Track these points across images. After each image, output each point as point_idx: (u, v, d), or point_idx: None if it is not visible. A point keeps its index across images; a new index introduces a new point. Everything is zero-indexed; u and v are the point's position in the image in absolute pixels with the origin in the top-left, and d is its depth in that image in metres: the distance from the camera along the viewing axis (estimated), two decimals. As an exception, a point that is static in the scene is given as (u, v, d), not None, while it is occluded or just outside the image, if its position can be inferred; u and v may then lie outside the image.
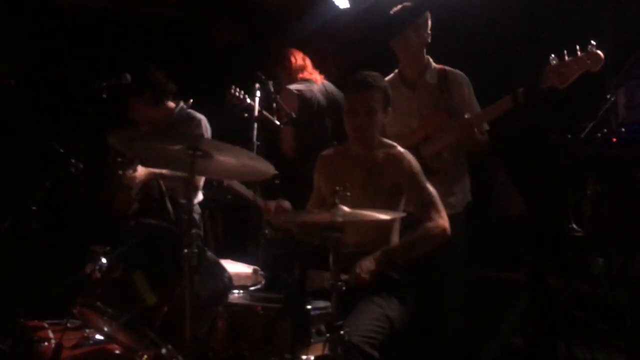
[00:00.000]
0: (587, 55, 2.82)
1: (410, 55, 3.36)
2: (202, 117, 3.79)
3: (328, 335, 2.18)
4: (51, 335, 2.60)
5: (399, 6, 3.37)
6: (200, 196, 3.83)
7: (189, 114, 3.80)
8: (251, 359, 2.38)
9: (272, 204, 2.95)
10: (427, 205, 2.72)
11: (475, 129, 3.16)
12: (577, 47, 2.82)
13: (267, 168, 2.38)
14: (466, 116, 3.16)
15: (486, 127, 3.31)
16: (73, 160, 3.60)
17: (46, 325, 2.70)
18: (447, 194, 3.24)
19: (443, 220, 2.71)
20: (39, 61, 4.64)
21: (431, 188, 2.77)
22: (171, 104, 3.78)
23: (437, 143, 3.23)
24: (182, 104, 3.85)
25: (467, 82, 3.37)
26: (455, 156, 3.31)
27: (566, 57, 2.84)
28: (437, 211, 2.72)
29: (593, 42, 2.82)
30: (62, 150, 3.66)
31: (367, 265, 2.55)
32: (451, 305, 3.27)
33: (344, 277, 2.30)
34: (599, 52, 2.80)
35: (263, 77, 3.76)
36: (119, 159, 3.47)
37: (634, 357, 2.12)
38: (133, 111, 3.72)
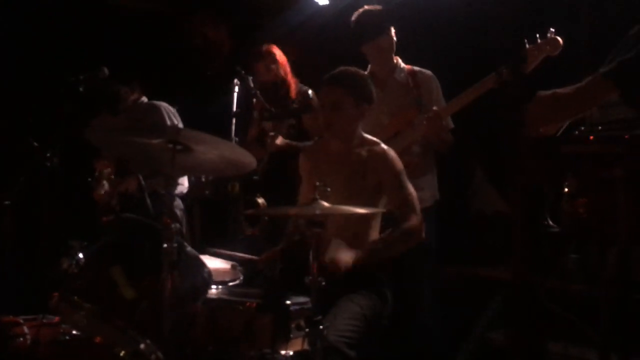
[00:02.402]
0: (547, 41, 2.96)
1: (378, 57, 3.43)
2: (163, 104, 3.83)
3: (307, 330, 2.19)
4: (27, 331, 2.55)
5: (361, 11, 3.41)
6: (185, 185, 3.82)
7: (150, 105, 3.83)
8: (230, 354, 2.38)
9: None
10: (406, 205, 2.74)
11: (442, 124, 3.22)
12: (537, 35, 2.94)
13: (249, 160, 2.36)
14: (434, 108, 3.22)
15: (450, 124, 3.37)
16: (49, 154, 3.56)
17: (21, 321, 2.65)
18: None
19: (419, 221, 2.74)
20: (15, 54, 4.56)
21: (411, 188, 2.79)
22: (129, 102, 3.79)
23: (406, 137, 3.28)
24: (144, 98, 3.86)
25: (436, 81, 3.45)
26: (424, 151, 3.36)
27: (527, 45, 2.93)
28: (415, 212, 2.74)
29: (552, 29, 2.95)
30: (37, 144, 3.61)
31: (345, 258, 2.56)
32: (425, 301, 3.31)
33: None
34: (557, 37, 2.95)
35: (242, 72, 3.75)
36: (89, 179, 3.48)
37: (607, 353, 2.15)
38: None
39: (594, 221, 1.85)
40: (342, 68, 2.84)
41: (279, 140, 3.66)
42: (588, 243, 2.18)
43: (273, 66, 3.90)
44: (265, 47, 3.96)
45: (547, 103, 1.81)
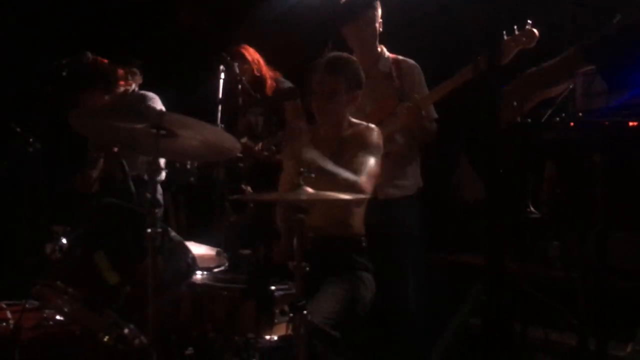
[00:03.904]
0: (523, 33, 3.01)
1: (361, 45, 3.40)
2: (155, 96, 3.79)
3: (291, 315, 2.20)
4: (9, 315, 2.55)
5: None
6: (163, 175, 3.81)
7: (141, 95, 3.79)
8: (215, 340, 2.39)
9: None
10: (360, 169, 2.67)
11: (424, 114, 3.23)
12: (515, 27, 2.99)
13: (233, 145, 2.35)
14: (415, 96, 3.23)
15: (434, 114, 3.39)
16: (31, 140, 3.53)
17: (4, 306, 2.65)
18: (398, 176, 3.31)
19: (363, 182, 2.65)
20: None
21: (373, 161, 2.73)
22: (122, 88, 3.76)
23: (387, 126, 3.28)
24: (133, 86, 3.83)
25: (419, 70, 3.44)
26: (407, 140, 3.37)
27: (505, 37, 2.97)
28: (363, 175, 2.67)
29: (529, 21, 3.00)
30: (19, 129, 3.58)
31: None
32: (409, 288, 3.33)
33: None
34: (534, 30, 3.01)
35: (228, 58, 3.73)
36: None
37: (585, 338, 2.19)
38: (85, 104, 3.64)
39: (573, 207, 1.88)
40: (335, 54, 2.83)
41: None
42: (568, 229, 2.21)
43: (245, 66, 3.93)
44: (234, 49, 3.96)
45: (533, 77, 1.82)
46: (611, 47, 1.85)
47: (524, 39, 3.01)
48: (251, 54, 4.00)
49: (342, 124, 2.85)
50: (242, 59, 3.95)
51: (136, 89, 3.86)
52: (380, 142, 2.84)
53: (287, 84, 3.97)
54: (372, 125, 2.87)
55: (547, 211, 1.93)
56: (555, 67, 1.87)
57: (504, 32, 2.98)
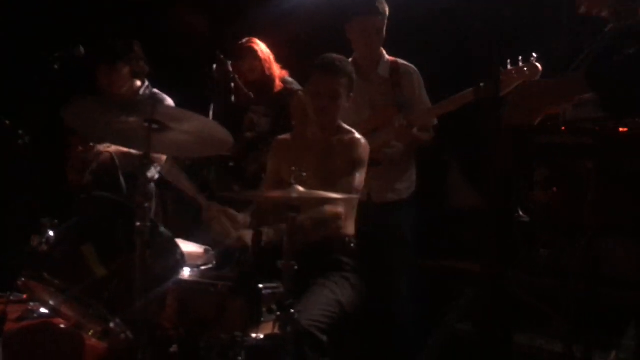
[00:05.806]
0: (527, 65, 2.99)
1: (366, 49, 3.39)
2: (167, 97, 3.78)
3: (278, 314, 2.19)
4: (-7, 308, 2.52)
5: None
6: (154, 172, 3.78)
7: (153, 94, 3.79)
8: (201, 337, 2.38)
9: (215, 207, 2.83)
10: (353, 186, 2.72)
11: (419, 127, 3.27)
12: (520, 57, 2.98)
13: (226, 136, 2.34)
14: (402, 121, 3.24)
15: (433, 123, 3.40)
16: (21, 132, 3.51)
17: (-12, 298, 2.62)
18: (394, 180, 3.34)
19: (340, 212, 2.73)
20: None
21: (357, 181, 2.77)
22: (138, 83, 3.77)
23: (382, 136, 3.29)
24: (147, 83, 3.83)
25: (418, 76, 3.44)
26: (406, 145, 3.38)
27: (509, 66, 2.97)
28: (355, 193, 2.72)
29: (534, 55, 2.99)
30: (8, 122, 3.56)
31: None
32: (401, 293, 3.33)
33: None
34: (537, 64, 2.99)
35: (222, 56, 3.72)
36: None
37: (570, 345, 2.20)
38: (112, 75, 3.66)
39: (564, 212, 1.89)
40: (335, 56, 2.83)
41: None
42: (558, 235, 2.22)
43: (256, 63, 3.79)
44: (246, 44, 3.82)
45: (546, 88, 1.80)
46: (616, 76, 1.76)
47: (527, 72, 2.98)
48: (262, 50, 3.81)
49: (334, 126, 2.85)
50: (253, 55, 3.78)
51: (149, 86, 3.85)
52: (367, 156, 2.84)
53: (296, 85, 3.79)
54: (360, 137, 2.86)
55: (537, 215, 1.94)
56: (563, 84, 1.83)
57: (509, 61, 2.97)
